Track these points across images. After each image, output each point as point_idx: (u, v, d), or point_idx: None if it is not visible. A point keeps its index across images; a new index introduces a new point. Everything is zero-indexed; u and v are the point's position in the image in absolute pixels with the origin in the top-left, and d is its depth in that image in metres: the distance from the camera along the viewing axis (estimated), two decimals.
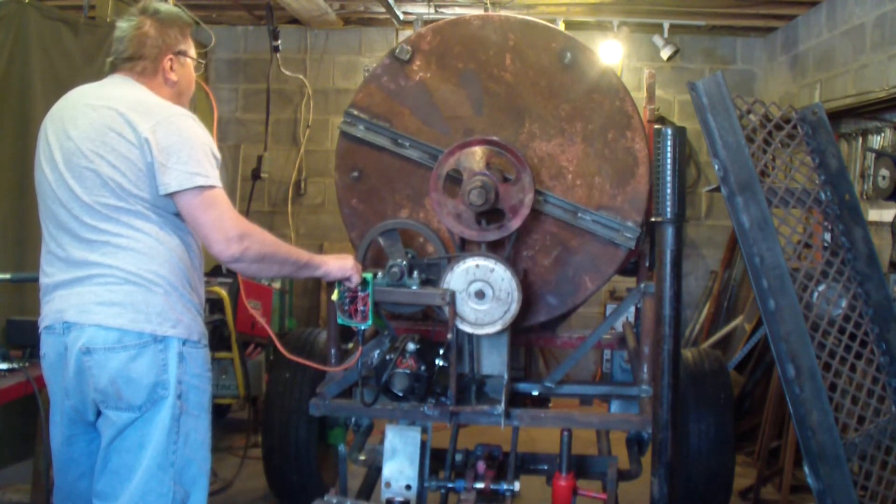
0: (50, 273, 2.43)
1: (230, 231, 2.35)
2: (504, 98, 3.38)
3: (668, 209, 2.68)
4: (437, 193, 3.17)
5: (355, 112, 3.43)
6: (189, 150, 2.36)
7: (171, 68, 2.56)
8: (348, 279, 2.83)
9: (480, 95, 3.39)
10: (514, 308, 3.05)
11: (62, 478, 2.51)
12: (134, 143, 2.34)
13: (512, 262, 3.17)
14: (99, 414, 2.40)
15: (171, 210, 2.39)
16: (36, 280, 2.54)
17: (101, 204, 2.34)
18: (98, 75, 5.31)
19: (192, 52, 2.66)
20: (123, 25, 2.56)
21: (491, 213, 3.17)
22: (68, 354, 2.35)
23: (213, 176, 2.38)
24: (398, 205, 3.42)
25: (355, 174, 3.44)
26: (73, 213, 2.37)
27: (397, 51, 3.40)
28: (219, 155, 2.46)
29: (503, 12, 5.63)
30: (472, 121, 3.38)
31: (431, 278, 3.11)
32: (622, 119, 3.34)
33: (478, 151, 3.16)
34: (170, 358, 2.36)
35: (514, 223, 3.14)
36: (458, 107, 3.40)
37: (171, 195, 2.34)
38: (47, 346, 2.43)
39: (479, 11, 6.15)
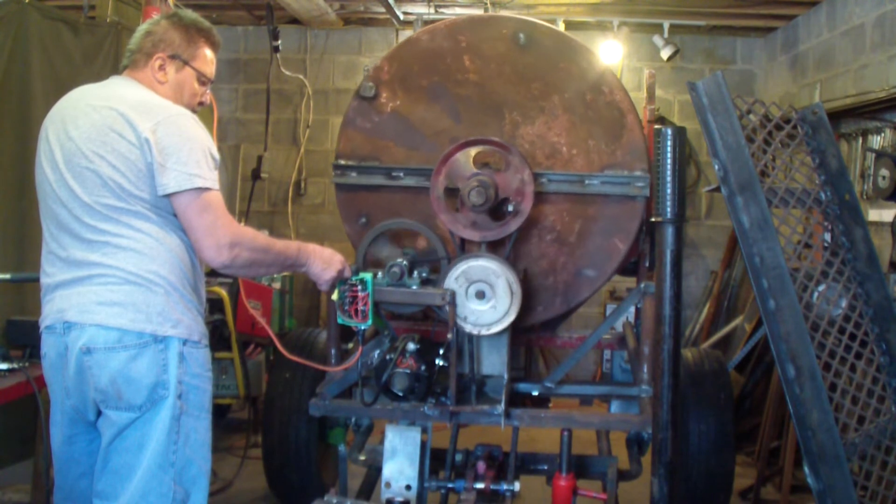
0: (51, 273, 2.43)
1: (222, 238, 2.36)
2: (477, 98, 3.39)
3: (668, 209, 2.68)
4: (445, 214, 3.16)
5: (343, 162, 3.43)
6: (188, 151, 2.35)
7: (161, 67, 2.55)
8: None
9: (454, 104, 3.39)
10: (515, 308, 3.04)
11: (63, 477, 2.51)
12: (134, 144, 2.34)
13: (512, 262, 3.17)
14: (99, 414, 2.40)
15: (171, 210, 2.39)
16: (36, 280, 2.55)
17: (102, 204, 2.34)
18: (98, 75, 5.31)
19: (201, 66, 2.62)
20: (143, 24, 2.62)
21: (497, 212, 3.17)
22: (69, 354, 2.35)
23: (211, 178, 2.38)
24: (413, 233, 3.37)
25: (363, 220, 3.43)
26: (74, 213, 2.37)
27: (361, 90, 3.41)
28: (218, 156, 2.46)
29: (503, 12, 5.63)
30: (454, 130, 3.36)
31: (431, 278, 3.11)
32: (593, 77, 3.35)
33: (461, 157, 3.15)
34: (170, 358, 2.35)
35: (526, 205, 3.12)
36: (437, 121, 3.40)
37: (168, 196, 2.35)
38: (48, 345, 2.43)
39: (479, 12, 6.16)
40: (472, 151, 3.16)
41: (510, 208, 3.15)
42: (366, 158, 3.42)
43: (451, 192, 3.18)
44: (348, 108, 3.46)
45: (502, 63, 3.36)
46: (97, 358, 2.31)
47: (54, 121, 2.48)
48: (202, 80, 2.64)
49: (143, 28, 2.60)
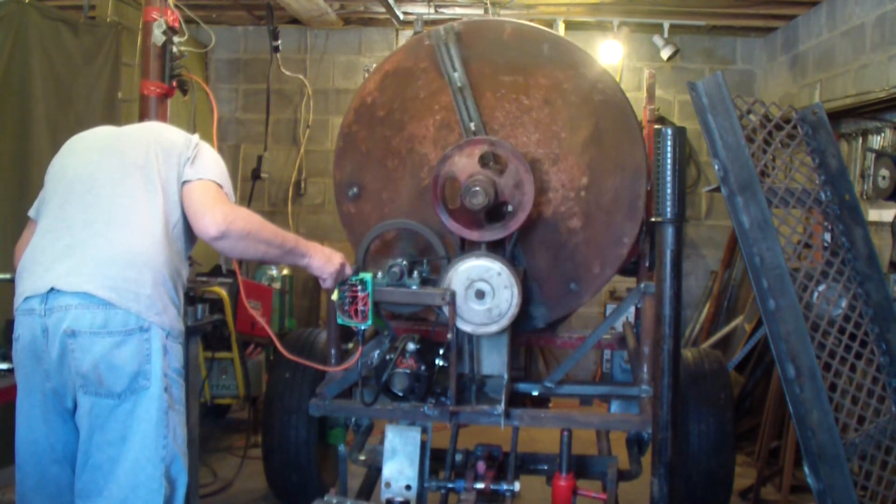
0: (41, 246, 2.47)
1: (219, 206, 2.50)
2: (396, 201, 3.42)
3: (668, 209, 2.68)
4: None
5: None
6: (217, 164, 2.63)
7: None
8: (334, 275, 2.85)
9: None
10: (515, 308, 3.04)
11: (34, 463, 2.43)
12: (180, 140, 2.59)
13: (512, 261, 3.17)
14: (76, 407, 2.38)
15: (184, 218, 2.52)
16: None
17: (128, 185, 2.46)
18: (98, 75, 5.32)
19: None
20: None
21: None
22: (50, 335, 2.33)
23: (227, 188, 2.61)
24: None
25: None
26: (96, 187, 2.46)
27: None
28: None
29: (504, 12, 5.62)
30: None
31: (432, 278, 3.11)
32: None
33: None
34: (153, 349, 2.37)
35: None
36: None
37: (185, 183, 2.52)
38: (23, 326, 2.40)
39: (478, 11, 6.16)
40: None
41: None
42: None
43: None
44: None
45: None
46: (81, 342, 2.31)
47: (80, 138, 2.66)
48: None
49: None
